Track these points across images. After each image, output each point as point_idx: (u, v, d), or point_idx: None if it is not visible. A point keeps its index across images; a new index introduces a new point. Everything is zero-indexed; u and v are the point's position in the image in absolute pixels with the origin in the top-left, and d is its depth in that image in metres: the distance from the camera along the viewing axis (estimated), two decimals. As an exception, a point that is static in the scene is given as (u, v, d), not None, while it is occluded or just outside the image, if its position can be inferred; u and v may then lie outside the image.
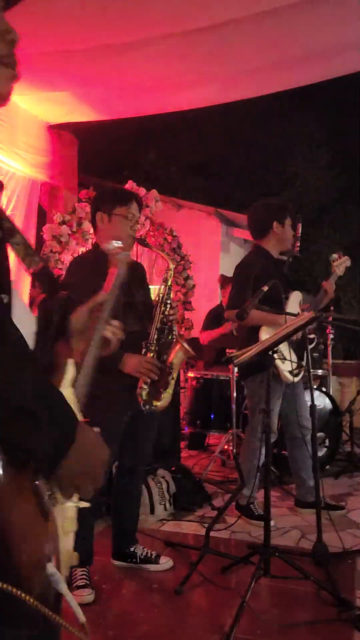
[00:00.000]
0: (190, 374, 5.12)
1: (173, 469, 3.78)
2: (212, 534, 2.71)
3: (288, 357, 3.17)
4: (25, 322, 1.02)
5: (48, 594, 0.87)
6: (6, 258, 0.98)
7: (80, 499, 1.02)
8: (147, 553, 2.75)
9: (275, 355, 2.94)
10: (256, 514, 3.31)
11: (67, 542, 1.00)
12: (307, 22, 3.55)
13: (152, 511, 3.40)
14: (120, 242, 1.49)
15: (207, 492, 3.79)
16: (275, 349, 2.95)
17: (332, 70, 4.54)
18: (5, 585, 0.77)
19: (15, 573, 0.81)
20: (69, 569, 1.02)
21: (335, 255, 3.51)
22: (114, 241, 1.49)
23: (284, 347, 3.16)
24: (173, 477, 3.63)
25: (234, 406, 4.53)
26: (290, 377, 3.21)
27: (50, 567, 0.89)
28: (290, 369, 3.19)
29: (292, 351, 3.23)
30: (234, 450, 4.45)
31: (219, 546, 2.84)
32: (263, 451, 2.91)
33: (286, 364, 3.18)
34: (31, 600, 0.79)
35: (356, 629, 2.18)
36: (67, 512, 1.02)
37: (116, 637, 2.12)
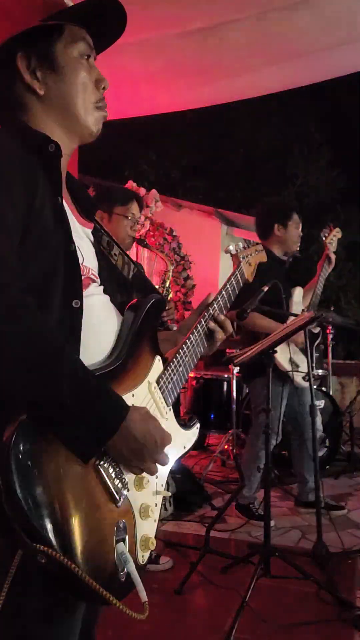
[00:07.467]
0: (190, 374, 5.11)
1: (173, 469, 3.77)
2: (212, 534, 2.70)
3: (301, 365, 3.19)
4: (112, 320, 1.11)
5: (118, 569, 0.96)
6: (77, 265, 1.02)
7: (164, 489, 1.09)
8: (147, 553, 2.74)
9: (290, 366, 2.97)
10: (256, 514, 3.31)
11: (145, 526, 1.05)
12: (306, 22, 3.55)
13: (152, 511, 3.39)
14: (244, 244, 1.48)
15: (207, 492, 3.79)
16: (293, 359, 2.96)
17: (332, 70, 4.54)
18: (58, 555, 0.83)
19: (73, 547, 0.87)
20: (149, 552, 1.07)
21: (325, 231, 3.48)
22: (241, 243, 1.48)
23: (296, 356, 3.18)
24: (173, 477, 3.63)
25: (234, 406, 4.52)
26: (303, 383, 3.20)
27: (120, 547, 0.96)
28: (303, 375, 3.19)
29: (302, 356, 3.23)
30: (234, 450, 4.44)
31: (219, 546, 2.83)
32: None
33: (300, 370, 3.19)
34: (82, 573, 0.85)
35: (356, 629, 2.17)
36: (147, 499, 1.06)
37: (116, 637, 2.11)
